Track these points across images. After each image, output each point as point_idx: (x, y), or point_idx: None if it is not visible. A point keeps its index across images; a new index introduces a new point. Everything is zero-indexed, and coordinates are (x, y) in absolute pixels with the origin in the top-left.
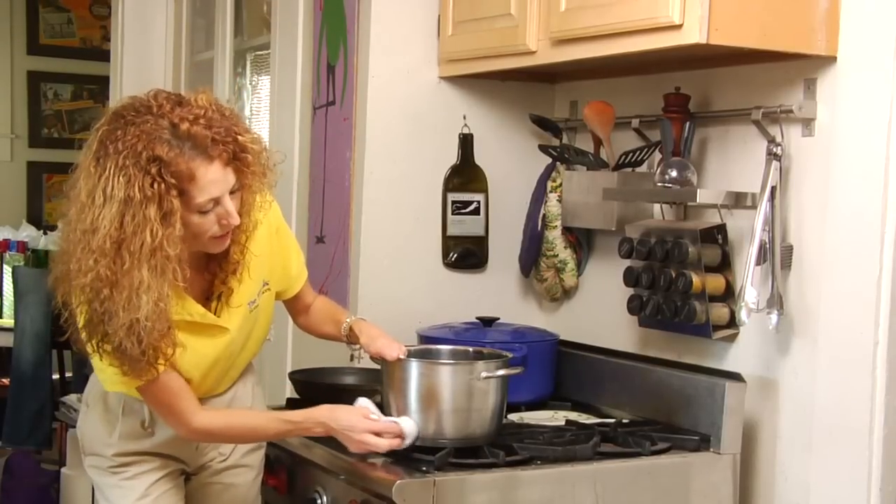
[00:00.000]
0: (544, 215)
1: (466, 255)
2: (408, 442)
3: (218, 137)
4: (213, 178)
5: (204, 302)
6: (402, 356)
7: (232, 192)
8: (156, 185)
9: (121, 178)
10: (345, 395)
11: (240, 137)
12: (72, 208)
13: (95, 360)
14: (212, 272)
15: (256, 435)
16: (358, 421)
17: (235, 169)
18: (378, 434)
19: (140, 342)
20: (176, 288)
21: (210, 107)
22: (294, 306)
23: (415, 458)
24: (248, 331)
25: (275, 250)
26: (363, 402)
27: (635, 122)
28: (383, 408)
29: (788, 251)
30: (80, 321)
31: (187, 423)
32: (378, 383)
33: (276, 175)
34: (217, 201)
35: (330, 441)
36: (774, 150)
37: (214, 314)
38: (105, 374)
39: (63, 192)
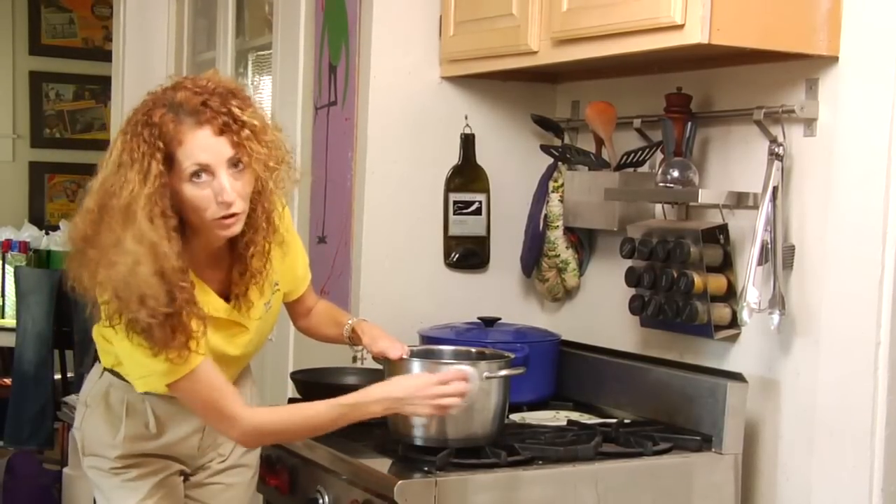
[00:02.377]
0: (546, 215)
1: (468, 255)
2: (474, 385)
3: (212, 105)
4: (201, 144)
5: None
6: (405, 356)
7: (235, 167)
8: (144, 147)
9: (119, 143)
10: None
11: (234, 109)
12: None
13: (126, 355)
14: (227, 272)
15: (313, 425)
16: (421, 378)
17: (232, 143)
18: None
19: (154, 315)
20: (201, 284)
21: (215, 80)
22: (296, 309)
23: (416, 458)
24: (260, 330)
25: (285, 251)
26: (416, 368)
27: (637, 122)
28: None
29: (790, 251)
30: (104, 309)
31: (237, 421)
32: None
33: (297, 173)
34: (209, 171)
35: (331, 440)
36: (776, 150)
37: (236, 311)
38: (136, 372)
39: (70, 197)
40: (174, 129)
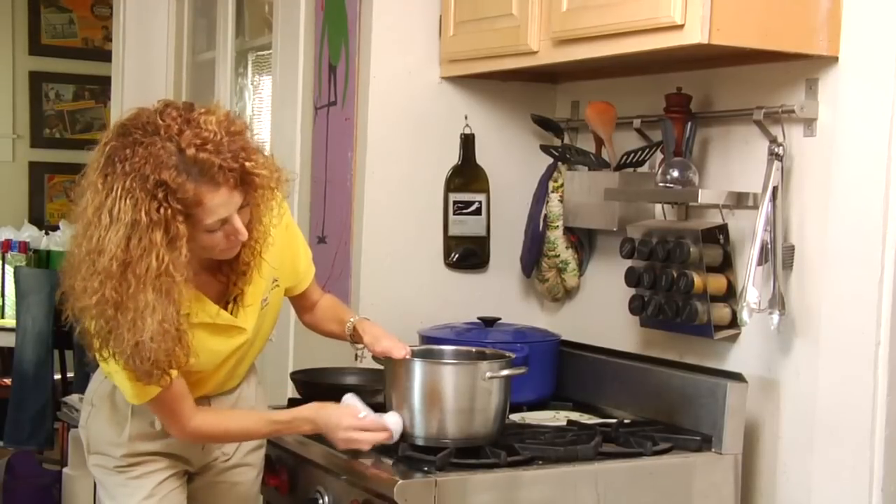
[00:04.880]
0: (546, 215)
1: (468, 255)
2: (394, 435)
3: (225, 165)
4: (219, 202)
5: (220, 303)
6: (406, 356)
7: (240, 209)
8: (162, 210)
9: (127, 200)
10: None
11: (247, 164)
12: (78, 222)
13: (108, 369)
14: (225, 274)
15: (247, 436)
16: (343, 418)
17: (242, 191)
18: (364, 430)
19: (147, 359)
20: (195, 291)
21: (219, 129)
22: (300, 304)
23: (416, 458)
24: (259, 327)
25: (284, 246)
26: (350, 400)
27: (637, 123)
28: (385, 408)
29: (790, 251)
30: (92, 332)
31: (184, 425)
32: (379, 383)
33: (288, 189)
34: (225, 220)
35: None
36: (776, 150)
37: (231, 315)
38: (120, 384)
39: (70, 197)
40: (193, 193)
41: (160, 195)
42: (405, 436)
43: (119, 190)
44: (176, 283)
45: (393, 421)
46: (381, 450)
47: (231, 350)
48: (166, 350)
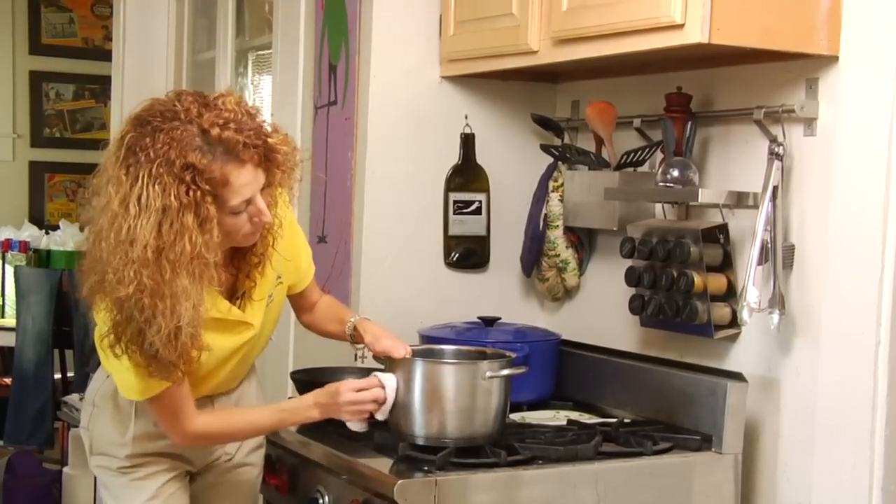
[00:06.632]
0: (546, 215)
1: (468, 254)
2: (390, 390)
3: (248, 141)
4: (245, 181)
5: (230, 299)
6: (407, 356)
7: (262, 190)
8: (191, 193)
9: (155, 186)
10: None
11: (269, 140)
12: (102, 217)
13: (113, 366)
14: (236, 267)
15: (253, 430)
16: (340, 385)
17: (265, 169)
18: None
19: (176, 348)
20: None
21: (239, 109)
22: (299, 303)
23: (416, 457)
24: (264, 324)
25: (288, 241)
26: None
27: (637, 122)
28: None
29: (790, 251)
30: (108, 325)
31: (187, 427)
32: None
33: (301, 172)
34: (249, 201)
35: (331, 440)
36: (776, 149)
37: (239, 310)
38: (124, 381)
39: (70, 197)
40: (220, 173)
41: (188, 178)
42: (404, 435)
43: (145, 178)
44: (209, 264)
45: (385, 376)
46: (382, 449)
47: (237, 346)
48: (195, 337)
